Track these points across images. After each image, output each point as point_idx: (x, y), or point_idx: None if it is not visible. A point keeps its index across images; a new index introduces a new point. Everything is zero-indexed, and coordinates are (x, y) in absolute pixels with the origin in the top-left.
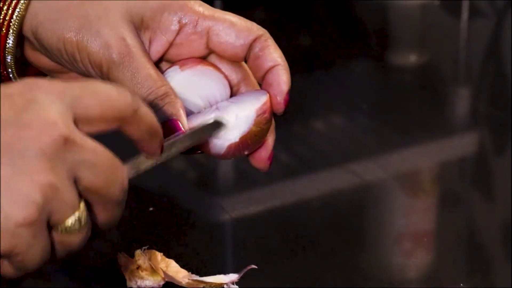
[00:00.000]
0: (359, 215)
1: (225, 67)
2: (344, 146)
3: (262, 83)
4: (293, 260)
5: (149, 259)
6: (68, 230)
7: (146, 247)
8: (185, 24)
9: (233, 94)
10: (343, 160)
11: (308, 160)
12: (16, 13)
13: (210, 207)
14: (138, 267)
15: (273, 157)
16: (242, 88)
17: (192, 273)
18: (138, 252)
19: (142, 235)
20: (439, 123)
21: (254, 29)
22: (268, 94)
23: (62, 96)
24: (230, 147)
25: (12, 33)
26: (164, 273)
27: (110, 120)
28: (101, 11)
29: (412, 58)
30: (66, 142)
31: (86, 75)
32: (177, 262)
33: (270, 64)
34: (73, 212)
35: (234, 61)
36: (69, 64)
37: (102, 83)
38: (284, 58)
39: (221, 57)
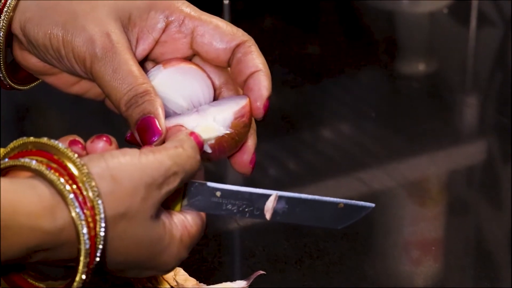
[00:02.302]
0: (366, 223)
1: (208, 70)
2: (352, 154)
3: (243, 88)
4: (301, 268)
5: None
6: None
7: None
8: (171, 22)
9: (215, 98)
10: (351, 168)
11: (316, 168)
12: (5, 11)
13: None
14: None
15: (281, 165)
16: (224, 92)
17: (201, 281)
18: None
19: None
20: (447, 131)
21: (239, 34)
22: (248, 99)
23: None
24: (210, 153)
25: (1, 29)
26: (174, 280)
27: None
28: (88, 8)
29: (420, 67)
30: None
31: (72, 72)
32: (185, 270)
33: (251, 69)
34: None
35: (217, 64)
36: (55, 61)
37: None
38: (266, 65)
39: (205, 59)
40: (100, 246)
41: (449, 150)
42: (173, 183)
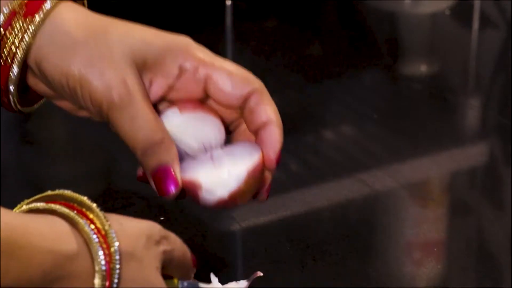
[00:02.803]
0: (369, 224)
1: (220, 108)
2: (354, 156)
3: (256, 137)
4: (303, 269)
5: None
6: None
7: None
8: (186, 70)
9: (227, 131)
10: (353, 170)
11: (318, 170)
12: (22, 45)
13: (220, 216)
14: None
15: (283, 166)
16: (235, 126)
17: (202, 281)
18: None
19: None
20: (449, 133)
21: (251, 81)
22: (261, 152)
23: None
24: (219, 202)
25: (17, 64)
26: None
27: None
28: (105, 51)
29: (422, 68)
30: None
31: (83, 108)
32: None
33: (263, 119)
34: None
35: (229, 109)
36: (69, 97)
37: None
38: (278, 114)
39: (217, 103)
40: (116, 276)
41: (451, 151)
42: (167, 246)
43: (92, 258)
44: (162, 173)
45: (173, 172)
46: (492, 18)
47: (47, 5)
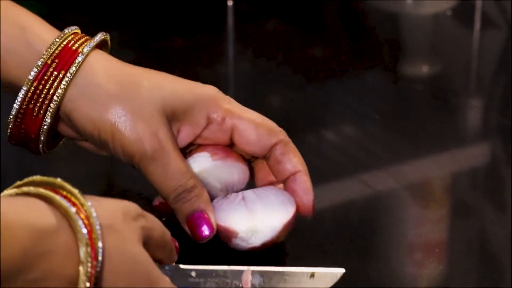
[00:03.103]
0: (370, 225)
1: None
2: (355, 156)
3: (285, 187)
4: None
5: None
6: None
7: None
8: (213, 119)
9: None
10: (355, 170)
11: (320, 170)
12: (55, 98)
13: None
14: None
15: None
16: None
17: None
18: None
19: None
20: (451, 133)
21: (276, 132)
22: (295, 206)
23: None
24: (251, 249)
25: (50, 115)
26: None
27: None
28: (137, 105)
29: (424, 69)
30: None
31: (115, 156)
32: None
33: (292, 170)
34: None
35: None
36: (99, 147)
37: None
38: (304, 164)
39: (242, 153)
40: (99, 245)
41: (453, 152)
42: (145, 223)
43: (73, 230)
44: (197, 219)
45: (208, 218)
46: (493, 19)
47: (79, 59)
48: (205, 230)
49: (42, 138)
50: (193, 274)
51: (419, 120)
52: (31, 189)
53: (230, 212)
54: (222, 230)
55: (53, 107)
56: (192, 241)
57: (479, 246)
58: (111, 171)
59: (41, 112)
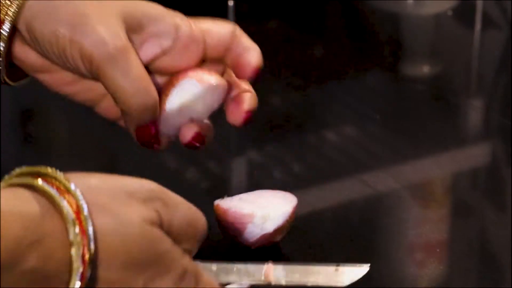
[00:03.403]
0: (371, 225)
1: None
2: (356, 156)
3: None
4: None
5: None
6: None
7: None
8: (181, 28)
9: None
10: (355, 170)
11: (320, 170)
12: (14, 4)
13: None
14: None
15: (285, 167)
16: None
17: None
18: None
19: None
20: (452, 134)
21: (230, 25)
22: (296, 201)
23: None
24: (263, 236)
25: (9, 20)
26: None
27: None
28: (97, 10)
29: (424, 69)
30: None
31: (72, 70)
32: None
33: (244, 48)
34: None
35: (220, 52)
36: (57, 59)
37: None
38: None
39: (210, 46)
40: (89, 224)
41: (454, 152)
42: (161, 207)
43: (60, 213)
44: (148, 130)
45: (154, 130)
46: (494, 19)
47: None
48: (153, 142)
49: (2, 49)
50: (214, 268)
51: (420, 120)
52: (14, 180)
53: (241, 203)
54: (238, 217)
55: (12, 12)
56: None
57: (479, 246)
58: (112, 171)
59: (1, 16)
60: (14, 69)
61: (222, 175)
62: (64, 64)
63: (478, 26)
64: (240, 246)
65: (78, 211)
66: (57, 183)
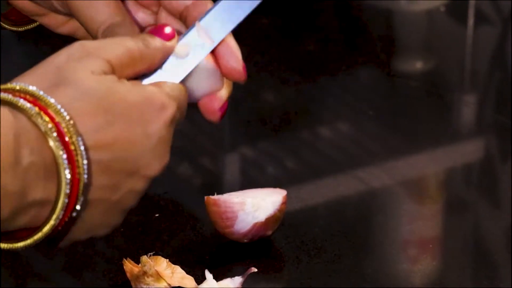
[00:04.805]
0: (365, 221)
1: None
2: (350, 153)
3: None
4: (298, 266)
5: (155, 265)
6: None
7: (152, 253)
8: None
9: None
10: (349, 167)
11: (314, 166)
12: None
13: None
14: (144, 273)
15: (279, 163)
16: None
17: (197, 279)
18: (144, 258)
19: (148, 241)
20: (445, 130)
21: None
22: (286, 193)
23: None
24: (255, 225)
25: None
26: (170, 279)
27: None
28: None
29: (418, 65)
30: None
31: (55, 10)
32: (182, 268)
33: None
34: None
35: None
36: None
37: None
38: None
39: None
40: (51, 100)
41: (448, 148)
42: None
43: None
44: None
45: None
46: (487, 15)
47: None
48: None
49: None
50: None
51: (414, 117)
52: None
53: (232, 196)
54: (229, 206)
55: None
56: (191, 242)
57: (473, 242)
58: None
59: None
60: (15, 17)
61: (215, 171)
62: (45, 4)
63: (471, 22)
64: (232, 242)
65: (54, 116)
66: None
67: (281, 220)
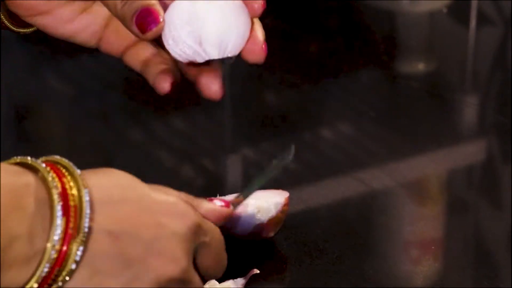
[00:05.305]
0: (366, 222)
1: None
2: (351, 154)
3: None
4: (300, 267)
5: None
6: None
7: None
8: None
9: None
10: (351, 168)
11: (316, 168)
12: None
13: None
14: None
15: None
16: None
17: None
18: None
19: None
20: (447, 131)
21: None
22: (288, 194)
23: (197, 236)
24: (257, 227)
25: None
26: None
27: (207, 273)
28: None
29: (419, 66)
30: (181, 281)
31: None
32: None
33: None
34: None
35: None
36: None
37: (221, 239)
38: None
39: None
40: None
41: (449, 149)
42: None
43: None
44: (144, 13)
45: (154, 10)
46: (489, 16)
47: None
48: (151, 22)
49: None
50: None
51: (415, 118)
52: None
53: (233, 197)
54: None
55: None
56: None
57: (475, 243)
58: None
59: None
60: (16, 20)
61: (217, 173)
62: None
63: (473, 23)
64: (235, 240)
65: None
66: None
67: (283, 222)
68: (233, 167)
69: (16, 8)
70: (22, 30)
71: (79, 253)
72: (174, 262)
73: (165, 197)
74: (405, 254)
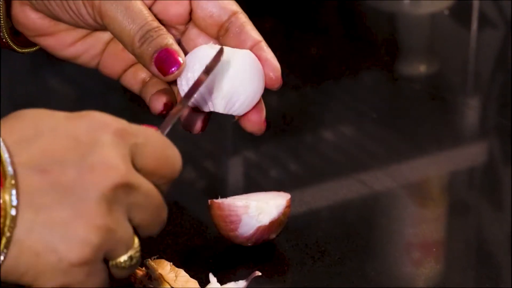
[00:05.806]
0: (368, 224)
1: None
2: (353, 156)
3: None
4: (302, 269)
5: (159, 269)
6: (120, 266)
7: (155, 257)
8: None
9: None
10: (353, 170)
11: (317, 170)
12: None
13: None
14: (148, 276)
15: (282, 166)
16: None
17: (201, 282)
18: (147, 261)
19: (151, 244)
20: (448, 133)
21: (230, 3)
22: (289, 196)
23: (126, 139)
24: (258, 228)
25: None
26: (173, 282)
27: (156, 177)
28: None
29: (421, 68)
30: (126, 186)
31: (76, 23)
32: (186, 271)
33: (252, 41)
34: (127, 251)
35: (210, 32)
36: (59, 9)
37: (161, 136)
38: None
39: (200, 25)
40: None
41: (450, 151)
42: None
43: None
44: (164, 55)
45: (175, 54)
46: (491, 18)
47: None
48: (172, 65)
49: (1, 23)
50: None
51: (417, 120)
52: None
53: (236, 199)
54: (233, 209)
55: None
56: (195, 245)
57: (476, 245)
58: None
59: None
60: (21, 38)
61: (218, 175)
62: (66, 14)
63: (474, 25)
64: (236, 245)
65: None
66: None
67: (285, 224)
68: (235, 169)
69: (23, 28)
70: (25, 50)
71: (13, 198)
72: (110, 170)
73: (78, 115)
74: (406, 256)
